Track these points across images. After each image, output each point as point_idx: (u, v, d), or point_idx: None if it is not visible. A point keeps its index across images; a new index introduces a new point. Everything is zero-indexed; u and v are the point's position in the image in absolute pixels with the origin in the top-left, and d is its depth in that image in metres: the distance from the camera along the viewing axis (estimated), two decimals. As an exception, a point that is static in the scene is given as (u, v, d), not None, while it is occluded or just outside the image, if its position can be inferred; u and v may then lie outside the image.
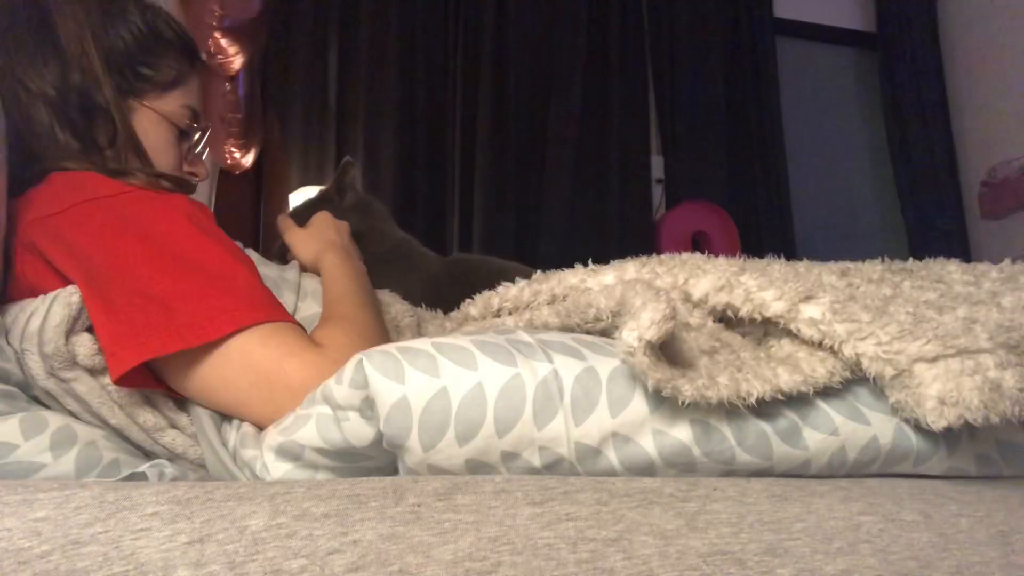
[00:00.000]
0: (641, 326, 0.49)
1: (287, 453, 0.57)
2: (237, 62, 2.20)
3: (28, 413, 0.63)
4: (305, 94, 2.63)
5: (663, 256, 0.70)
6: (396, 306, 0.96)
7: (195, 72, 0.89)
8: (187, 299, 0.65)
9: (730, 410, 0.52)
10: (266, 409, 0.65)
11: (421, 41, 2.76)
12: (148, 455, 0.68)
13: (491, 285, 0.80)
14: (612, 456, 0.52)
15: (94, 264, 0.67)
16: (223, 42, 2.08)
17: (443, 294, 1.02)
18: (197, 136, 0.90)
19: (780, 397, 0.53)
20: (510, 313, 0.75)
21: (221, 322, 0.65)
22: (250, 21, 2.18)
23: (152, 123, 0.85)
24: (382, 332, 0.80)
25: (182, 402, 0.70)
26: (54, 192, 0.73)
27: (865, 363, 0.55)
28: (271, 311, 0.68)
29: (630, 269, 0.68)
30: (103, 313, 0.65)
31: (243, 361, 0.65)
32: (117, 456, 0.64)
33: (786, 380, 0.53)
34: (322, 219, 1.02)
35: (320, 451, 0.55)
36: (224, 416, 0.68)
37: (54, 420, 0.63)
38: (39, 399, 0.68)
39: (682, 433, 0.52)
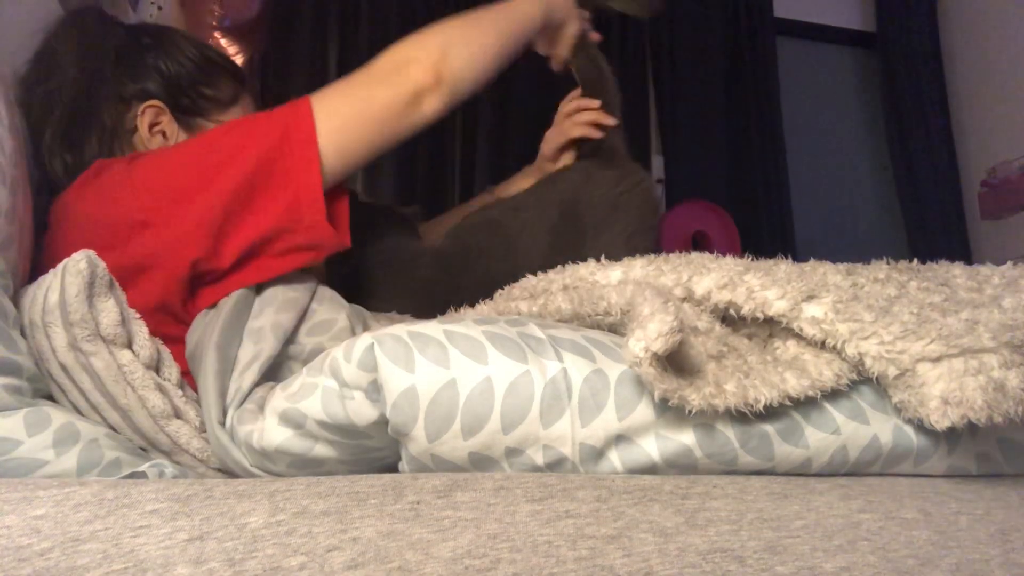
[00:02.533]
0: (648, 337, 0.49)
1: (290, 420, 0.57)
2: (237, 62, 2.20)
3: (32, 409, 0.63)
4: (305, 94, 2.62)
5: (670, 255, 0.70)
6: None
7: (246, 91, 0.99)
8: (257, 136, 0.77)
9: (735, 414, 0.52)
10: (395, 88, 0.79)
11: (421, 41, 2.75)
12: (149, 453, 0.69)
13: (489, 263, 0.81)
14: (614, 458, 0.52)
15: (185, 194, 0.75)
16: (223, 42, 2.08)
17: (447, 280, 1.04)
18: None
19: (788, 403, 0.53)
20: (524, 300, 0.75)
21: (300, 115, 0.78)
22: (250, 21, 2.18)
23: None
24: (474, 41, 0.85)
25: (191, 392, 0.71)
26: (95, 170, 0.80)
27: (868, 362, 0.55)
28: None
29: (637, 267, 0.68)
30: (251, 212, 0.75)
31: (339, 102, 0.80)
32: (118, 455, 0.64)
33: (794, 385, 0.53)
34: None
35: (321, 424, 0.55)
36: (226, 397, 0.68)
37: (57, 417, 0.63)
38: (47, 388, 0.68)
39: (686, 437, 0.52)
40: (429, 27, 0.85)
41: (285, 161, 0.76)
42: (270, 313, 0.74)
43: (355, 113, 0.79)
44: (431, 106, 0.81)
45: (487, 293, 0.80)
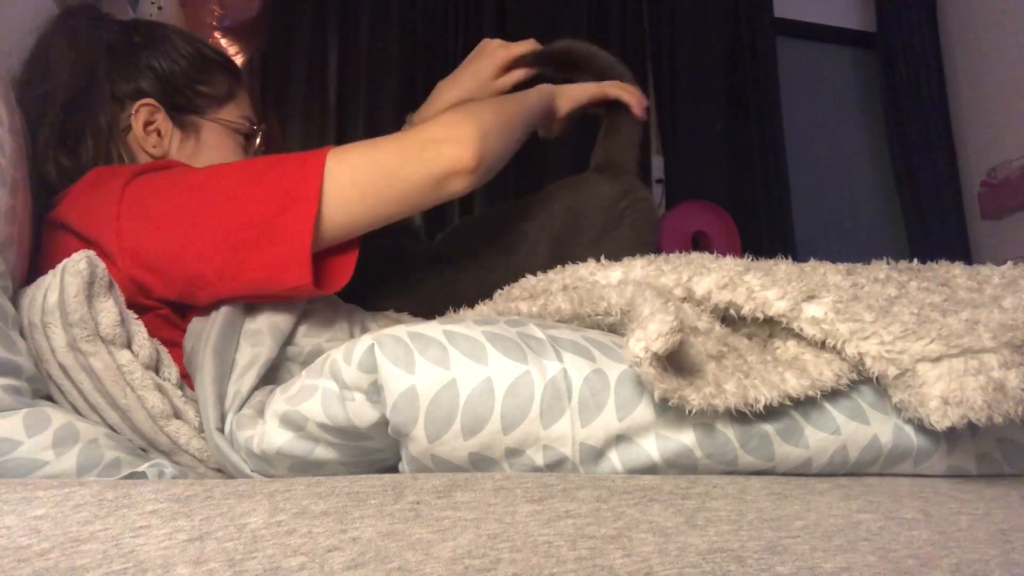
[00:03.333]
0: (648, 337, 0.49)
1: (290, 423, 0.57)
2: (237, 62, 2.20)
3: (32, 409, 0.63)
4: (305, 94, 2.63)
5: (670, 255, 0.70)
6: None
7: (241, 86, 0.98)
8: (263, 189, 0.73)
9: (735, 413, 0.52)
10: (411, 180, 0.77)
11: (422, 41, 2.76)
12: (149, 453, 0.69)
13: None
14: (615, 458, 0.52)
15: (183, 224, 0.72)
16: (223, 42, 2.08)
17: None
18: (258, 139, 0.98)
19: (788, 403, 0.53)
20: (524, 300, 0.75)
21: (308, 172, 0.73)
22: (250, 21, 2.18)
23: (218, 135, 0.93)
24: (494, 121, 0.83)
25: (190, 393, 0.71)
26: (94, 177, 0.79)
27: (868, 362, 0.55)
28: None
29: (637, 267, 0.68)
30: (233, 261, 0.71)
31: (358, 167, 0.76)
32: (118, 455, 0.64)
33: (793, 385, 0.53)
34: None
35: (322, 426, 0.55)
36: (225, 401, 0.68)
37: (57, 418, 0.63)
38: (46, 389, 0.68)
39: (686, 437, 0.52)
40: (461, 109, 0.83)
41: (279, 222, 0.72)
42: (267, 314, 0.74)
43: (375, 181, 0.76)
44: (458, 186, 0.79)
45: (485, 297, 0.80)
